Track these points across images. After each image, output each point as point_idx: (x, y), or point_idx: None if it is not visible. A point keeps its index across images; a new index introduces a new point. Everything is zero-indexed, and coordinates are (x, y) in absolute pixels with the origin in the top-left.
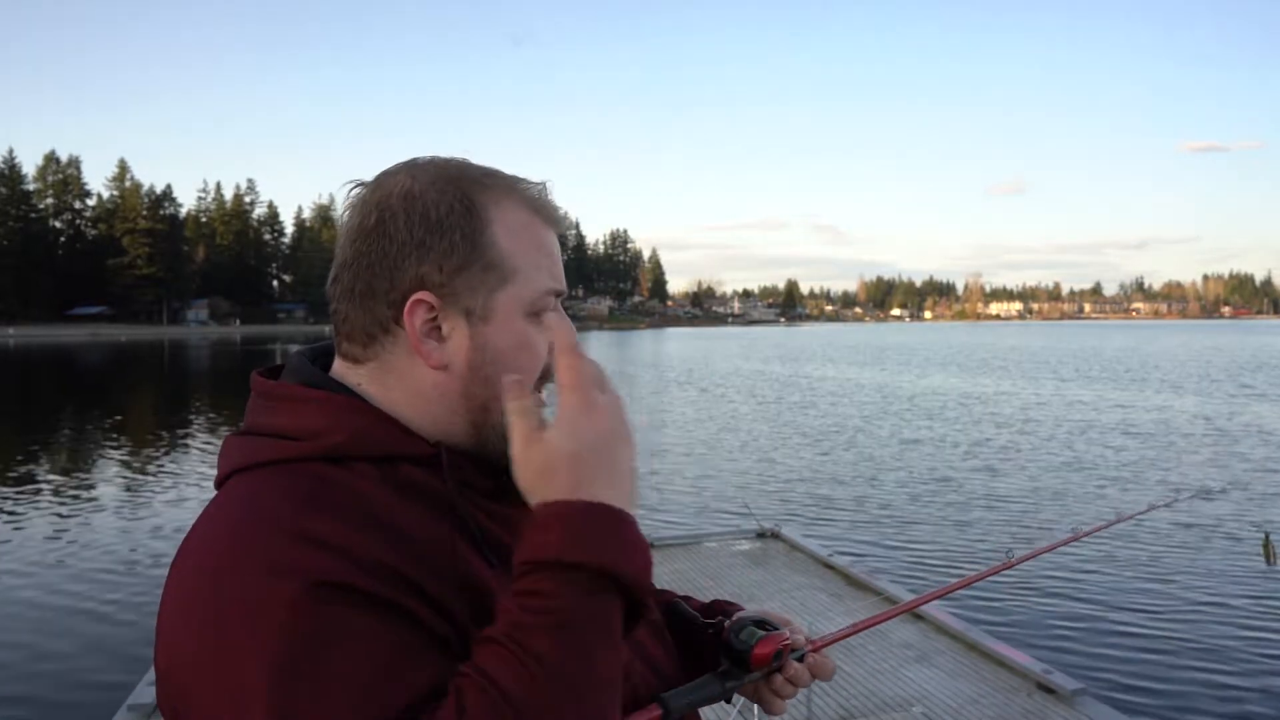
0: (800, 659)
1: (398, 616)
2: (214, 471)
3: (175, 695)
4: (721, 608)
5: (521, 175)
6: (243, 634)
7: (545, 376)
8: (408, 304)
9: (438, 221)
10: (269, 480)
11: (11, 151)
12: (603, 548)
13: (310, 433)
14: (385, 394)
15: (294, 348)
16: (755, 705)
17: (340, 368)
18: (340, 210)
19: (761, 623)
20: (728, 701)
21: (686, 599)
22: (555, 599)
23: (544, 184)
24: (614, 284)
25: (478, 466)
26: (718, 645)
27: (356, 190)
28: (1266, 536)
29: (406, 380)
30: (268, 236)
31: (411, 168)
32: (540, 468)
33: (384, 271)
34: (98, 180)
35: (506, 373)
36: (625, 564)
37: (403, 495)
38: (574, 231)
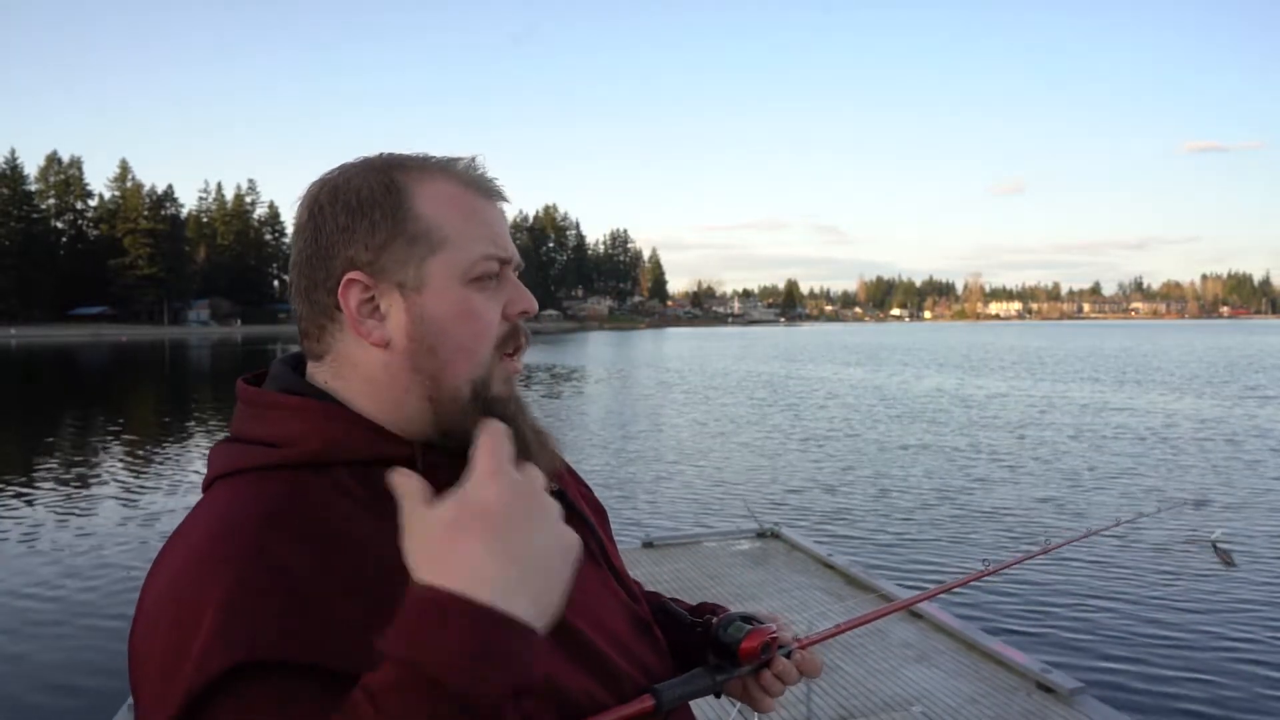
0: (788, 656)
1: (315, 695)
2: None
3: (132, 677)
4: (709, 608)
5: (458, 156)
6: (172, 657)
7: (508, 341)
8: (340, 286)
9: (358, 205)
10: (245, 488)
11: (14, 152)
12: (435, 648)
13: (287, 439)
14: (345, 385)
15: (294, 348)
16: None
17: (311, 369)
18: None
19: (748, 618)
20: (717, 696)
21: (675, 601)
22: (369, 698)
23: (474, 158)
24: (614, 284)
25: (458, 466)
26: (706, 641)
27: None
28: (1214, 544)
29: (360, 367)
30: (269, 237)
31: (342, 166)
32: (416, 543)
33: (320, 262)
34: (99, 181)
35: (451, 339)
36: (459, 672)
37: (375, 502)
38: (574, 231)
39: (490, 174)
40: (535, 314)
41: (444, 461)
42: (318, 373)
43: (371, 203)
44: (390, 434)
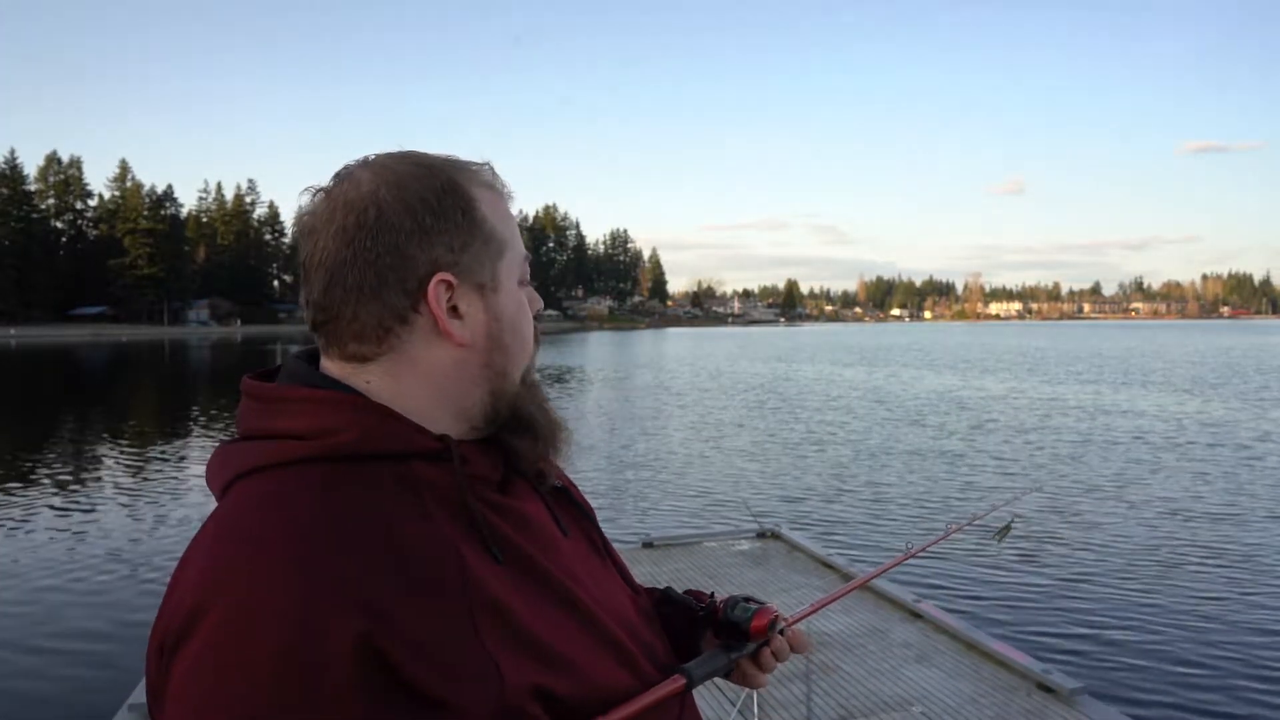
0: (781, 633)
1: (385, 690)
2: None
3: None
4: (697, 595)
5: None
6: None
7: (535, 338)
8: (430, 287)
9: (436, 205)
10: (284, 483)
11: (13, 152)
12: None
13: (319, 432)
14: (397, 385)
15: (294, 348)
16: (755, 703)
17: (339, 370)
18: (310, 216)
19: (748, 599)
20: (728, 676)
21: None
22: None
23: (488, 164)
24: (614, 284)
25: (485, 456)
26: (713, 625)
27: (320, 194)
28: (1008, 524)
29: (423, 366)
30: (268, 236)
31: (376, 164)
32: None
33: (394, 262)
34: (99, 181)
35: (518, 336)
36: None
37: (414, 498)
38: (574, 231)
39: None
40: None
41: (473, 453)
42: (355, 375)
43: (448, 204)
44: (421, 427)
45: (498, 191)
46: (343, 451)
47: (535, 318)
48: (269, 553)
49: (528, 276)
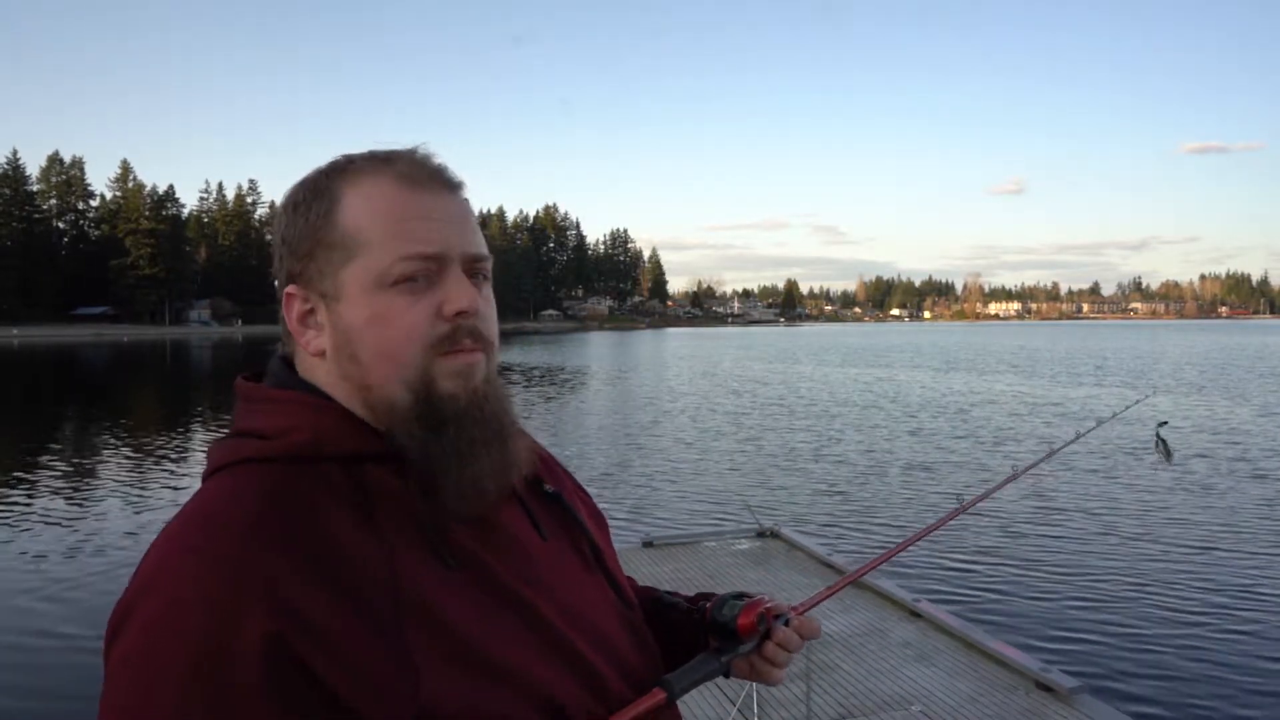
0: (786, 624)
1: (295, 688)
2: None
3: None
4: (705, 597)
5: (410, 147)
6: (153, 647)
7: (444, 342)
8: (283, 298)
9: (294, 213)
10: (234, 482)
11: (15, 153)
12: None
13: (278, 431)
14: (332, 385)
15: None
16: (755, 703)
17: (309, 366)
18: None
19: (740, 596)
20: (725, 676)
21: (672, 594)
22: None
23: (417, 148)
24: (614, 284)
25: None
26: (704, 627)
27: None
28: (1157, 434)
29: (319, 370)
30: (269, 237)
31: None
32: None
33: (278, 271)
34: (100, 181)
35: (368, 347)
36: None
37: (360, 500)
38: (574, 231)
39: (438, 162)
40: (475, 312)
41: (437, 454)
42: (316, 368)
43: (301, 212)
44: (378, 430)
45: (402, 183)
46: (298, 451)
47: (465, 318)
48: (199, 550)
49: (413, 274)
